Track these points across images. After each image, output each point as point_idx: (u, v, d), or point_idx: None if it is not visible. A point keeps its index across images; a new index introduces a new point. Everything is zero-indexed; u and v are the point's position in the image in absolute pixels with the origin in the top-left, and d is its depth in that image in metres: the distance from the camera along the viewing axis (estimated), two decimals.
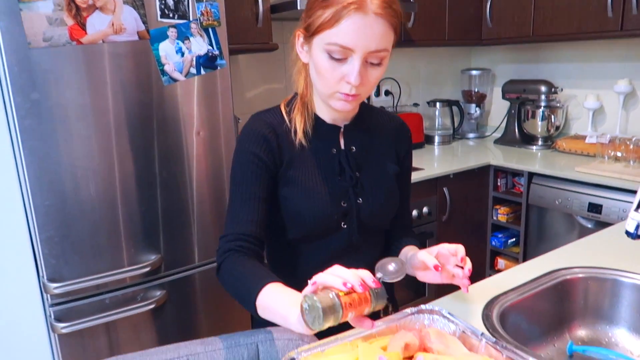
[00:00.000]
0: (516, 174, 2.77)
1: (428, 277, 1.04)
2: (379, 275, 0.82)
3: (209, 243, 1.88)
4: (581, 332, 1.27)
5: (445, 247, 0.99)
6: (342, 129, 1.12)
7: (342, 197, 1.10)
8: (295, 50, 1.05)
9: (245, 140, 1.07)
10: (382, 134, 1.19)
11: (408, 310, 1.05)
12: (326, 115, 1.11)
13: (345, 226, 1.11)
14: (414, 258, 1.03)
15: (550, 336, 1.25)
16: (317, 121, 1.11)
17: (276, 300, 0.87)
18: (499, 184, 2.84)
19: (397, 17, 0.96)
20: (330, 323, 0.71)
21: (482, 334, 0.95)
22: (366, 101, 1.19)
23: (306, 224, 1.10)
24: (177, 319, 1.86)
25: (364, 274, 0.78)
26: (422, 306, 1.06)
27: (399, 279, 0.83)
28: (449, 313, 1.03)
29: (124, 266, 1.72)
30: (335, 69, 0.96)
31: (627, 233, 1.02)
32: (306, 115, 1.08)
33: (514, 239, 2.87)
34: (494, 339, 0.93)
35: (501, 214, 2.82)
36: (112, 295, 1.71)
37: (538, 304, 1.23)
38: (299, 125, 1.07)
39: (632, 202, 2.27)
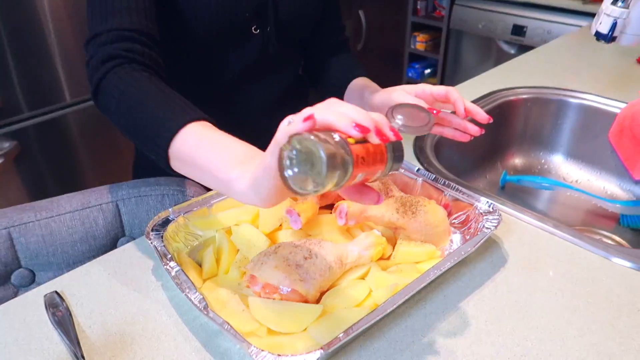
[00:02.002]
0: None
1: None
2: (398, 122, 0.49)
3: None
4: (516, 161, 1.13)
5: (426, 89, 0.69)
6: None
7: None
8: None
9: None
10: None
11: None
12: None
13: (258, 31, 0.80)
14: (376, 97, 0.74)
15: (482, 168, 1.09)
16: None
17: (207, 152, 0.52)
18: (418, 7, 2.54)
19: None
20: (331, 184, 0.39)
21: (418, 169, 0.74)
22: None
23: (202, 24, 0.74)
24: (36, 173, 1.50)
25: (379, 118, 0.44)
26: None
27: (425, 132, 0.57)
28: None
29: None
30: None
31: (598, 35, 0.80)
32: None
33: (430, 70, 2.69)
34: (434, 176, 0.73)
35: (420, 42, 2.58)
36: None
37: None
38: None
39: (558, 22, 2.12)
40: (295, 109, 0.88)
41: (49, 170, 1.51)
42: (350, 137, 0.40)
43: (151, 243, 0.59)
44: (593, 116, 1.05)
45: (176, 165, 0.55)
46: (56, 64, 1.41)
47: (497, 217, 0.64)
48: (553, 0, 2.04)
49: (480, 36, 2.33)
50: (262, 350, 0.46)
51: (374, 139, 0.42)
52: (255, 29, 0.80)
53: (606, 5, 0.80)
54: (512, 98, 1.06)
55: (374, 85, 0.81)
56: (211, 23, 0.75)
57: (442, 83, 2.58)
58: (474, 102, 1.05)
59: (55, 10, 1.38)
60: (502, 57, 2.32)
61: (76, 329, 0.55)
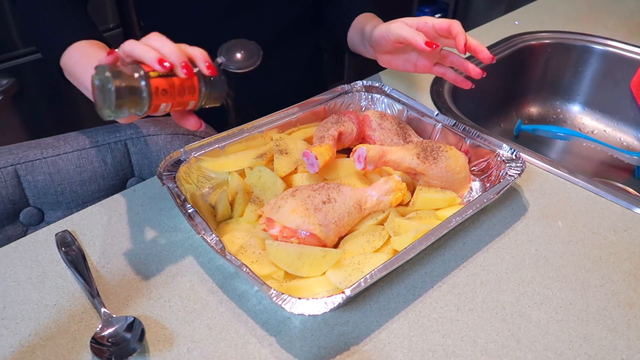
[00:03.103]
0: None
1: (396, 62, 0.70)
2: (219, 60, 0.50)
3: None
4: (531, 109, 1.09)
5: (429, 22, 0.63)
6: None
7: None
8: None
9: None
10: None
11: (339, 88, 0.77)
12: None
13: None
14: (376, 31, 0.68)
15: (496, 116, 1.06)
16: None
17: (82, 66, 0.58)
18: None
19: None
20: (126, 113, 0.46)
21: (437, 114, 0.71)
22: None
23: None
24: (34, 109, 1.46)
25: (197, 52, 0.49)
26: (358, 82, 0.78)
27: (248, 69, 0.52)
28: (393, 90, 0.76)
29: None
30: None
31: None
32: None
33: (439, 15, 2.59)
34: (454, 121, 0.70)
35: None
36: None
37: (490, 77, 0.99)
38: None
39: None
40: (299, 48, 0.84)
41: (48, 108, 1.47)
42: (155, 70, 0.46)
43: (164, 184, 0.57)
44: (616, 63, 1.01)
45: (66, 76, 0.62)
46: None
47: (521, 164, 0.62)
48: None
49: None
50: (282, 294, 0.45)
51: (180, 73, 0.46)
52: None
53: None
54: (532, 42, 1.02)
55: (377, 20, 0.75)
56: None
57: None
58: (492, 46, 1.00)
59: None
60: (514, 3, 2.22)
61: (90, 268, 0.54)
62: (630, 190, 0.96)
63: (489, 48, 0.97)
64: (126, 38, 1.58)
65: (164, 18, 0.80)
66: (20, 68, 1.37)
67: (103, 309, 0.48)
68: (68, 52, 0.60)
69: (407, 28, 0.63)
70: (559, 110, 1.10)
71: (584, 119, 1.08)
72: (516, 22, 1.10)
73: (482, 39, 1.01)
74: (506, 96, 1.07)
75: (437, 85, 0.87)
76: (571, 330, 0.48)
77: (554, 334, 0.48)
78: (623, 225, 0.61)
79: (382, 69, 0.78)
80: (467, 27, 1.04)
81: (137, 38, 0.49)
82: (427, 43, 0.60)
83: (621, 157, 0.99)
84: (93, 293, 0.50)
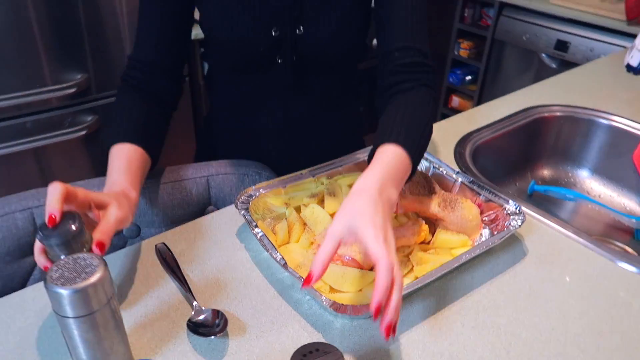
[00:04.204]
0: (486, 4, 2.56)
1: None
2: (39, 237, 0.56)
3: None
4: (544, 172, 1.24)
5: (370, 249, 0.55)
6: None
7: (273, 22, 0.82)
8: None
9: None
10: None
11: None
12: None
13: (280, 61, 0.85)
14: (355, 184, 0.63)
15: (513, 176, 1.21)
16: None
17: (109, 166, 0.74)
18: (465, 14, 2.63)
19: None
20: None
21: (458, 172, 0.87)
22: None
23: (225, 54, 0.87)
24: None
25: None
26: None
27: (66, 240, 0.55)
28: None
29: (47, 85, 1.47)
30: None
31: (629, 67, 0.91)
32: None
33: (470, 77, 2.78)
34: (471, 178, 0.86)
35: (463, 49, 2.67)
36: (35, 118, 1.50)
37: (508, 143, 1.16)
38: None
39: (602, 41, 2.18)
40: (345, 111, 0.99)
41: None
42: None
43: (240, 212, 0.75)
44: (620, 137, 1.16)
45: None
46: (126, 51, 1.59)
47: (522, 217, 0.77)
48: (598, 19, 2.11)
49: (523, 48, 2.41)
50: (330, 300, 0.61)
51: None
52: (279, 59, 0.85)
53: (638, 41, 0.91)
54: (546, 115, 1.18)
55: (369, 177, 0.63)
56: (234, 53, 0.85)
57: (482, 90, 2.67)
58: (512, 115, 1.17)
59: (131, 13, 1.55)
60: (543, 70, 2.40)
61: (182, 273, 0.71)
62: (629, 249, 1.09)
63: (508, 118, 1.15)
64: (192, 86, 1.81)
65: (226, 92, 0.96)
66: (104, 107, 1.60)
67: (194, 302, 0.65)
68: (112, 149, 0.74)
69: (329, 239, 0.57)
70: (570, 174, 1.24)
71: (592, 183, 1.22)
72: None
73: (503, 109, 1.18)
74: (522, 159, 1.22)
75: (460, 147, 1.03)
76: (551, 349, 0.62)
77: (537, 351, 0.62)
78: (607, 273, 0.74)
79: None
80: (495, 92, 1.21)
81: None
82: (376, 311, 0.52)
83: (623, 220, 1.12)
84: (186, 289, 0.67)
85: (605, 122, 1.17)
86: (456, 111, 2.71)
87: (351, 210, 0.58)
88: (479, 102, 2.69)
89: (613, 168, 1.19)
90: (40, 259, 0.58)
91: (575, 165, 1.24)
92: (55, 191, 0.57)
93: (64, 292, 0.47)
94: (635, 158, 1.14)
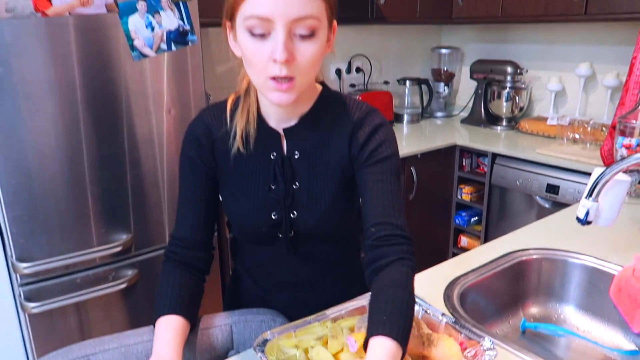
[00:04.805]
0: (481, 154, 2.87)
1: None
2: None
3: None
4: (534, 310, 1.37)
5: None
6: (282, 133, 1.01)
7: (272, 208, 1.03)
8: (230, 46, 0.93)
9: (184, 141, 1.05)
10: (339, 130, 1.00)
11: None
12: (272, 116, 1.00)
13: (281, 236, 1.06)
14: None
15: (505, 314, 1.34)
16: (261, 123, 1.01)
17: (155, 338, 0.93)
18: (464, 164, 2.93)
19: None
20: None
21: (443, 314, 1.02)
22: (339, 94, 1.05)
23: (239, 229, 1.10)
24: (149, 298, 1.88)
25: None
26: None
27: None
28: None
29: (94, 246, 1.72)
30: (259, 49, 0.83)
31: (578, 219, 1.10)
32: (248, 117, 0.99)
33: (476, 218, 2.99)
34: (454, 319, 1.00)
35: (465, 193, 2.92)
36: (83, 275, 1.72)
37: (495, 284, 1.31)
38: (239, 128, 0.99)
39: (587, 184, 2.41)
40: (348, 276, 1.20)
41: None
42: None
43: (257, 354, 0.90)
44: (595, 275, 1.30)
45: None
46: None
47: (495, 353, 0.89)
48: (580, 165, 2.36)
49: (519, 191, 2.64)
50: None
51: None
52: (280, 234, 1.05)
53: (582, 199, 1.11)
54: (524, 258, 1.34)
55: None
56: (244, 228, 1.08)
57: (486, 230, 2.85)
58: (495, 259, 1.33)
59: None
60: (540, 211, 2.59)
61: None
62: None
63: (492, 262, 1.32)
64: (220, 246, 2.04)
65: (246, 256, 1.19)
66: (145, 262, 1.83)
67: None
68: (158, 321, 0.93)
69: None
70: (558, 311, 1.36)
71: (579, 319, 1.33)
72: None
73: (487, 254, 1.35)
74: (512, 298, 1.36)
75: (448, 290, 1.19)
76: None
77: None
78: None
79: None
80: (501, 231, 1.37)
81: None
82: None
83: (611, 355, 1.21)
84: None
85: (577, 262, 1.32)
86: (465, 250, 2.86)
87: None
88: (485, 240, 2.85)
89: (596, 304, 1.31)
90: None
91: (562, 302, 1.36)
92: None
93: None
94: (611, 294, 1.27)
